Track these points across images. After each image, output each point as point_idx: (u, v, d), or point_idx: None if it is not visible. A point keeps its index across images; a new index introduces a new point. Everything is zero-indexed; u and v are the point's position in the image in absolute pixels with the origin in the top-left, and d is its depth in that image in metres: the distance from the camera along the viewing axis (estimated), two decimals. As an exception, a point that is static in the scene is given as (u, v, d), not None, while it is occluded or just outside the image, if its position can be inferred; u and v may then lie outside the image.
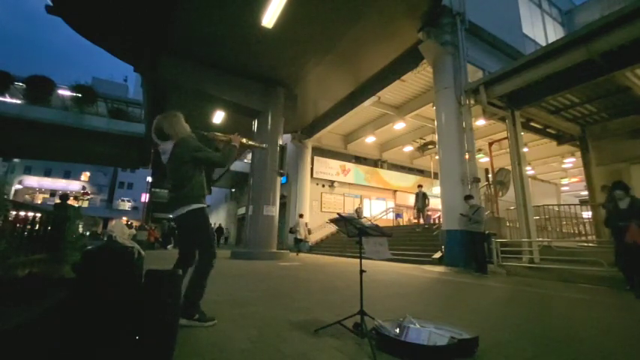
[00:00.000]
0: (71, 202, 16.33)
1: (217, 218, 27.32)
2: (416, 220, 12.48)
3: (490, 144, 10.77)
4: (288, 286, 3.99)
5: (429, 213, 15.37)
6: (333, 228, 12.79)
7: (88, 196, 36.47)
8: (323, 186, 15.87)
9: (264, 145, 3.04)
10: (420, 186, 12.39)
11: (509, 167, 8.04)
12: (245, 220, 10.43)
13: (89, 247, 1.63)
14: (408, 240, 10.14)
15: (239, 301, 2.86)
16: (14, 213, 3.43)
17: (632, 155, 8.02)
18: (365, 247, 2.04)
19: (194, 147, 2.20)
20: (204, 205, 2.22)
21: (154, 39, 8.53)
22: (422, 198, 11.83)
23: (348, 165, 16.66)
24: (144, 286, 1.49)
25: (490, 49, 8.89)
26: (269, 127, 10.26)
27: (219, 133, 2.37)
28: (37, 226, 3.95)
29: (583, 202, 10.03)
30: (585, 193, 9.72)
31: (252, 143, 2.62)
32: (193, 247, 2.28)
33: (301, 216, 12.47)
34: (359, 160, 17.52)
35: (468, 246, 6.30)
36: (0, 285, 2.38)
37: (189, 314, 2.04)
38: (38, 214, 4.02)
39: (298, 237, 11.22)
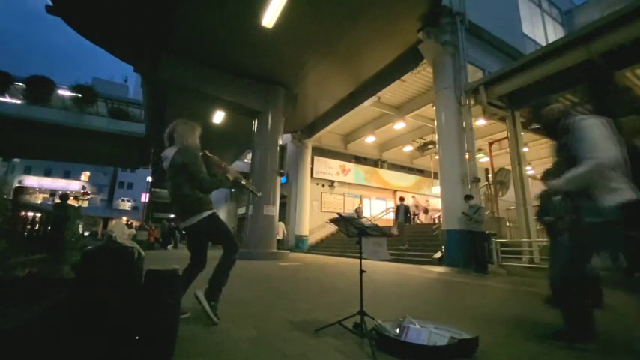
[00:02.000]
0: (71, 202, 16.33)
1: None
2: (397, 235, 9.92)
3: (490, 144, 10.77)
4: (288, 286, 3.99)
5: (430, 213, 15.34)
6: (333, 228, 12.81)
7: (88, 196, 36.45)
8: (323, 186, 15.87)
9: (258, 194, 3.05)
10: (401, 199, 10.73)
11: (509, 167, 8.04)
12: (245, 220, 10.43)
13: (89, 247, 1.63)
14: (408, 240, 10.14)
15: (239, 301, 2.86)
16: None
17: (632, 155, 8.01)
18: (364, 247, 2.04)
19: (191, 159, 2.16)
20: (214, 211, 2.22)
21: (154, 39, 8.53)
22: (403, 212, 9.96)
23: (348, 165, 16.65)
24: (144, 286, 1.49)
25: (490, 49, 8.89)
26: (269, 127, 10.26)
27: (221, 161, 2.38)
28: (37, 226, 3.95)
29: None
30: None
31: (247, 185, 2.64)
32: (205, 252, 2.31)
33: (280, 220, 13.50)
34: (359, 160, 17.51)
35: (468, 246, 6.29)
36: (0, 285, 2.38)
37: (210, 297, 2.12)
38: (38, 214, 4.02)
39: (278, 238, 12.34)
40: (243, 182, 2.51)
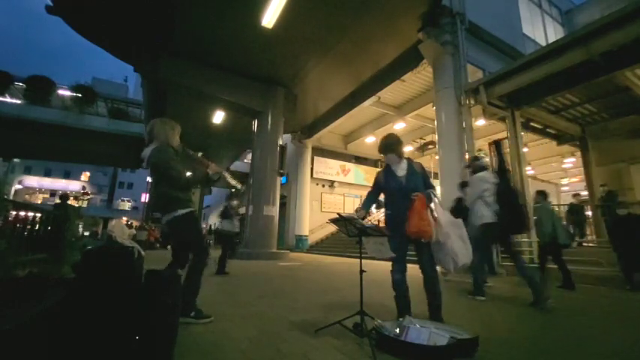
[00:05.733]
0: (71, 202, 16.34)
1: (217, 218, 27.35)
2: None
3: (490, 144, 10.75)
4: (288, 286, 3.99)
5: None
6: (333, 228, 12.80)
7: (88, 196, 36.42)
8: (323, 186, 15.87)
9: (239, 187, 3.07)
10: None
11: (510, 167, 8.02)
12: (245, 220, 10.44)
13: (89, 247, 1.63)
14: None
15: (239, 301, 2.86)
16: (14, 213, 3.43)
17: (632, 155, 8.02)
18: (366, 246, 2.05)
19: (163, 158, 2.18)
20: (191, 209, 2.22)
21: (155, 39, 8.53)
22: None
23: (348, 165, 16.66)
24: (144, 287, 1.49)
25: (490, 49, 8.87)
26: (269, 127, 10.26)
27: (203, 158, 2.37)
28: (37, 226, 3.95)
29: (583, 202, 10.03)
30: (585, 193, 9.70)
31: (229, 179, 2.66)
32: (185, 248, 2.31)
33: None
34: (359, 160, 17.51)
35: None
36: (0, 285, 2.38)
37: (184, 312, 2.06)
38: (38, 214, 4.02)
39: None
40: (225, 174, 2.50)
